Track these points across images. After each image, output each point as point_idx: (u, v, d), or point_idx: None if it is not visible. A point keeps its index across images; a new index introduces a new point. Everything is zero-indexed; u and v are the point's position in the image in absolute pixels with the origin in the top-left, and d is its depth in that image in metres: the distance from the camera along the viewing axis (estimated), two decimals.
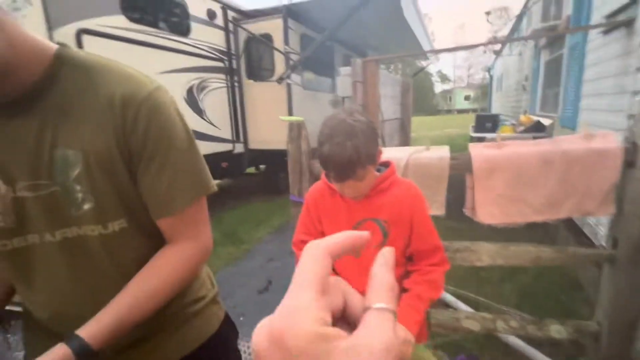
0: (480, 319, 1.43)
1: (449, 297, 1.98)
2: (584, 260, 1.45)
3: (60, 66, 0.48)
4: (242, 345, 1.73)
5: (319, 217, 0.91)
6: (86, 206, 0.49)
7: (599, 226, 1.97)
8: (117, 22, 2.83)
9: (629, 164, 1.23)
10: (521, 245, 1.41)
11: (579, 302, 2.05)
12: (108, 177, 0.49)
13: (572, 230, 2.52)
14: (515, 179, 1.32)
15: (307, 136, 1.47)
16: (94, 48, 2.61)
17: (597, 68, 2.37)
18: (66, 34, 2.45)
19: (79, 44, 2.52)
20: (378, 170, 0.85)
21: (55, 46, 0.49)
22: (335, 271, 0.89)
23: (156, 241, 0.56)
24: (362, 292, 0.73)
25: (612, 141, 1.26)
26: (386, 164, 0.87)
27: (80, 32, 2.53)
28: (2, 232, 0.49)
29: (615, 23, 1.92)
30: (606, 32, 2.13)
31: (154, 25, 3.21)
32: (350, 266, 0.86)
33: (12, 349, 1.97)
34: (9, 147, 0.46)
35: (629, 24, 1.80)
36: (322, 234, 0.92)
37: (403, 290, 0.85)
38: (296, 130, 1.46)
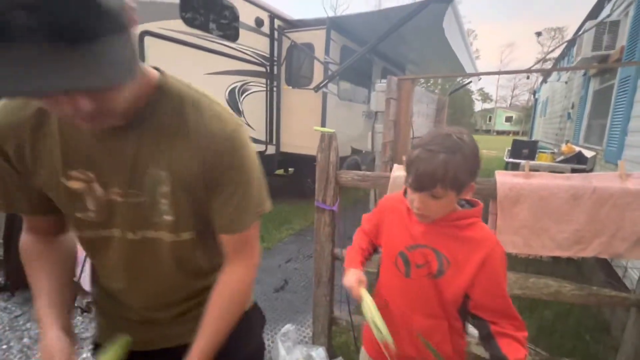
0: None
1: None
2: (607, 302, 1.40)
3: (160, 96, 0.56)
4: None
5: (379, 225, 0.91)
6: (166, 217, 0.58)
7: (633, 269, 1.87)
8: (176, 26, 3.10)
9: None
10: (542, 278, 1.39)
11: (604, 345, 1.94)
12: (189, 197, 0.58)
13: (604, 270, 2.39)
14: (541, 210, 1.31)
15: (336, 147, 1.55)
16: (153, 48, 2.88)
17: None
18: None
19: (141, 44, 2.79)
20: (462, 206, 0.79)
21: (156, 74, 0.58)
22: (382, 287, 0.89)
23: (213, 251, 0.67)
24: (402, 312, 0.81)
25: None
26: (473, 204, 0.80)
27: (143, 34, 2.81)
28: (93, 224, 0.59)
29: None
30: None
31: (208, 30, 3.47)
32: (396, 285, 0.84)
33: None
34: (111, 159, 0.55)
35: None
36: (372, 241, 0.95)
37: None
38: (327, 141, 1.54)
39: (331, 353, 1.69)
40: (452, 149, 0.66)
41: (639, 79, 2.50)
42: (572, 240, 1.31)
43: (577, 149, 3.94)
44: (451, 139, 0.68)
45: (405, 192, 0.83)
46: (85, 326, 2.05)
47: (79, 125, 0.47)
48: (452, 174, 0.66)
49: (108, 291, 0.69)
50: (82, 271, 1.87)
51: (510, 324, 0.73)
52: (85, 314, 2.14)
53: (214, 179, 0.58)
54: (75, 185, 0.55)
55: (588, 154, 3.60)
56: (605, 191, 1.25)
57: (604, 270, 2.40)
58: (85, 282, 1.93)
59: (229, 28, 3.74)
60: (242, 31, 3.87)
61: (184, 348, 0.62)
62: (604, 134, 3.41)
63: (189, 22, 3.24)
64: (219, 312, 0.63)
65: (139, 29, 2.38)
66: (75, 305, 1.91)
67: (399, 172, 1.47)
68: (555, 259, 2.92)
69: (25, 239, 0.66)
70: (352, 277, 0.82)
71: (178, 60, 3.18)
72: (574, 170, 3.00)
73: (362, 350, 1.00)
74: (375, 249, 0.97)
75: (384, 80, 2.26)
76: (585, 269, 2.82)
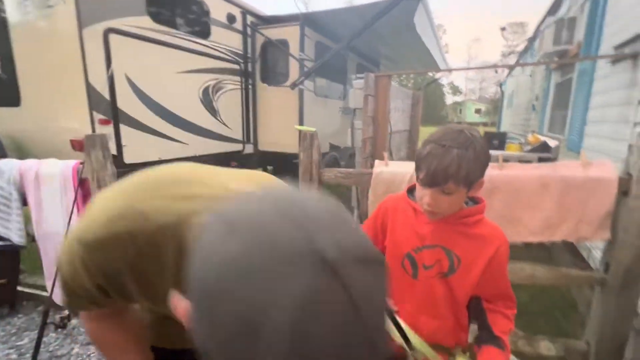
0: (472, 330, 1.49)
1: None
2: (576, 281, 1.51)
3: None
4: None
5: (385, 228, 0.86)
6: None
7: (596, 250, 2.02)
8: (143, 23, 2.96)
9: (623, 193, 1.29)
10: (517, 263, 1.48)
11: (573, 321, 2.09)
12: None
13: (571, 252, 2.57)
14: (514, 200, 1.39)
15: (318, 146, 1.55)
16: (119, 47, 2.73)
17: (603, 96, 2.43)
18: (95, 32, 2.58)
19: (106, 43, 2.65)
20: (466, 203, 0.79)
21: None
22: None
23: None
24: (410, 313, 0.81)
25: (609, 170, 1.32)
26: (477, 200, 0.80)
27: (108, 31, 2.66)
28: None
29: (621, 55, 1.98)
30: (614, 63, 2.19)
31: (177, 26, 3.34)
32: (403, 287, 0.83)
33: (19, 330, 2.05)
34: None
35: (635, 57, 1.86)
36: (380, 247, 0.90)
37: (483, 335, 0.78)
38: (309, 140, 1.54)
39: None
40: (464, 144, 0.66)
41: (595, 73, 2.69)
42: (542, 226, 1.40)
43: (543, 138, 4.18)
44: (464, 134, 0.68)
45: (408, 191, 0.82)
46: (61, 342, 1.95)
47: None
48: (465, 169, 0.66)
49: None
50: (53, 285, 1.77)
51: (503, 303, 0.78)
52: (59, 330, 2.03)
53: None
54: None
55: (552, 143, 3.83)
56: (570, 179, 1.34)
57: (571, 252, 2.57)
58: (59, 297, 1.82)
59: (200, 24, 3.62)
60: (213, 28, 3.76)
61: None
62: (565, 124, 3.64)
63: (156, 19, 3.09)
64: None
65: (102, 26, 2.21)
66: (48, 321, 1.81)
67: (380, 168, 1.50)
68: (527, 245, 3.09)
69: (96, 326, 0.60)
70: None
71: (147, 59, 3.04)
72: (540, 159, 3.18)
73: None
74: None
75: (359, 75, 2.29)
76: (555, 252, 3.01)
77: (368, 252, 0.28)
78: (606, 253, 1.40)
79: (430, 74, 8.51)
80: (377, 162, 1.54)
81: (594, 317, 1.45)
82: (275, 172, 6.07)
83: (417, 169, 0.72)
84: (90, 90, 2.59)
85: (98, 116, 2.67)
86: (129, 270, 0.46)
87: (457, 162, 0.65)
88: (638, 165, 1.23)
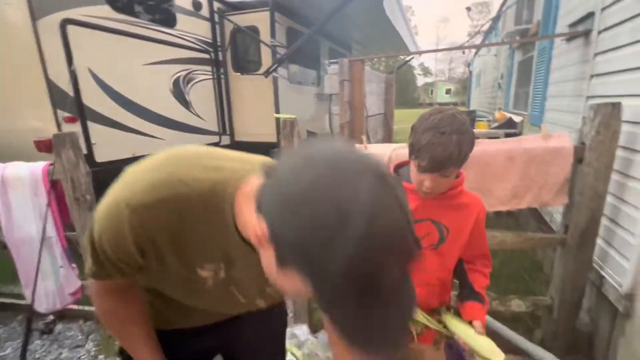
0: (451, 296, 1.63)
1: None
2: (540, 244, 1.66)
3: None
4: None
5: None
6: (258, 302, 0.68)
7: (557, 214, 2.22)
8: (102, 12, 2.80)
9: (578, 161, 1.43)
10: (489, 231, 1.60)
11: (539, 281, 2.30)
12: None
13: (536, 218, 2.79)
14: (485, 173, 1.50)
15: (299, 132, 1.58)
16: (79, 39, 2.58)
17: (560, 72, 2.60)
18: (50, 24, 2.41)
19: (64, 35, 2.49)
20: None
21: None
22: None
23: None
24: None
25: (566, 141, 1.45)
26: (457, 174, 0.84)
27: (65, 23, 2.49)
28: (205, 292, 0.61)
29: (575, 33, 2.13)
30: (568, 40, 2.34)
31: (140, 15, 3.18)
32: None
33: (0, 341, 2.00)
34: (239, 251, 0.55)
35: (586, 34, 2.00)
36: None
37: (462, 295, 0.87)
38: (289, 128, 1.56)
39: (313, 329, 1.79)
40: (461, 129, 0.70)
41: (553, 50, 2.86)
42: (510, 196, 1.52)
43: (508, 115, 4.40)
44: (457, 119, 0.71)
45: (395, 170, 0.87)
46: (47, 348, 1.91)
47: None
48: (464, 153, 0.70)
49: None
50: (34, 293, 1.72)
51: (481, 262, 0.88)
52: (45, 336, 1.98)
53: None
54: (205, 274, 0.58)
55: (517, 119, 4.06)
56: (533, 151, 1.46)
57: (536, 218, 2.80)
58: (41, 305, 1.77)
59: (164, 12, 3.46)
60: (179, 16, 3.61)
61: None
62: (528, 100, 3.86)
63: (117, 8, 2.93)
64: None
65: (58, 17, 2.10)
66: (33, 328, 1.76)
67: None
68: (497, 214, 3.32)
69: (106, 300, 0.64)
70: None
71: (111, 51, 2.88)
72: (507, 135, 3.37)
73: None
74: None
75: (332, 61, 2.30)
76: (521, 219, 3.25)
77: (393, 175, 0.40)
78: (565, 216, 1.55)
79: (401, 56, 8.61)
80: (356, 145, 1.59)
81: (556, 274, 1.61)
82: None
83: (417, 156, 0.74)
84: (52, 87, 2.45)
85: (63, 114, 2.53)
86: (170, 233, 0.51)
87: (458, 148, 0.69)
88: (590, 135, 1.37)
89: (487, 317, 1.82)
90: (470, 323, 0.82)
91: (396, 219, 0.36)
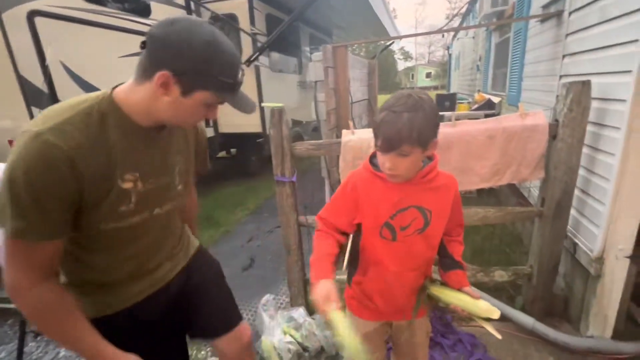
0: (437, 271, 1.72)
1: None
2: (519, 217, 1.77)
3: None
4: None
5: (357, 201, 0.87)
6: (179, 187, 0.83)
7: (534, 189, 2.34)
8: (72, 3, 2.67)
9: (553, 137, 1.52)
10: (472, 208, 1.69)
11: (519, 253, 2.45)
12: (188, 170, 0.87)
13: (515, 194, 2.93)
14: (467, 153, 1.57)
15: (287, 121, 1.60)
16: (48, 31, 2.46)
17: (535, 52, 2.69)
18: (17, 16, 2.29)
19: (32, 27, 2.36)
20: (422, 162, 0.84)
21: None
22: (367, 251, 0.90)
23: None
24: (394, 272, 0.97)
25: (541, 119, 1.53)
26: (430, 157, 0.85)
27: (32, 14, 2.36)
28: (132, 212, 0.71)
29: (547, 14, 2.20)
30: (542, 21, 2.43)
31: (111, 5, 3.05)
32: (384, 250, 0.88)
33: None
34: (149, 158, 0.73)
35: (558, 15, 2.08)
36: (351, 222, 0.89)
37: (445, 263, 0.93)
38: (277, 116, 1.58)
39: (310, 311, 1.85)
40: (414, 107, 0.71)
41: (528, 31, 2.94)
42: (491, 173, 1.61)
43: (487, 96, 4.53)
44: (412, 98, 0.73)
45: (370, 161, 0.88)
46: (43, 349, 1.90)
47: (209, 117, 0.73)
48: (416, 130, 0.71)
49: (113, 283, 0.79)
50: None
51: (455, 232, 0.96)
52: (39, 337, 1.97)
53: (197, 154, 0.92)
54: (127, 185, 0.68)
55: (495, 100, 4.18)
56: (511, 129, 1.53)
57: (515, 194, 2.94)
58: None
59: (137, 2, 3.33)
60: (153, 4, 3.48)
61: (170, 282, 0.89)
62: (505, 81, 3.97)
63: None
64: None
65: (24, 8, 2.02)
66: (27, 330, 1.74)
67: (348, 136, 1.60)
68: (479, 192, 3.46)
69: (41, 292, 0.64)
70: (322, 292, 0.77)
71: (84, 43, 2.77)
72: (486, 116, 3.48)
73: (347, 312, 1.01)
74: (348, 235, 0.94)
75: (313, 47, 2.30)
76: (502, 196, 3.41)
77: None
78: (542, 189, 1.65)
79: (382, 41, 8.61)
80: (344, 131, 1.63)
81: (534, 244, 1.73)
82: (239, 154, 5.95)
83: (375, 136, 0.76)
84: (24, 83, 2.35)
85: (38, 111, 2.44)
86: (84, 150, 0.60)
87: (409, 126, 0.70)
88: (563, 112, 1.45)
89: (472, 287, 1.94)
90: (459, 290, 0.89)
91: (229, 42, 0.66)
